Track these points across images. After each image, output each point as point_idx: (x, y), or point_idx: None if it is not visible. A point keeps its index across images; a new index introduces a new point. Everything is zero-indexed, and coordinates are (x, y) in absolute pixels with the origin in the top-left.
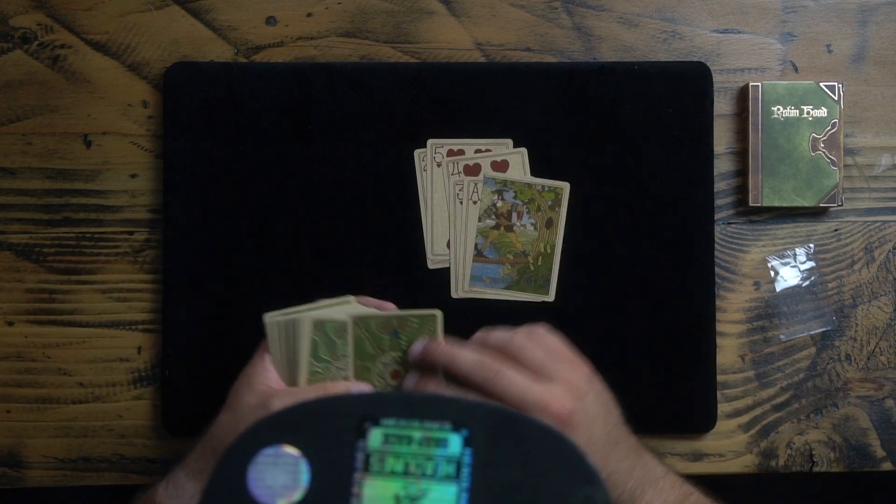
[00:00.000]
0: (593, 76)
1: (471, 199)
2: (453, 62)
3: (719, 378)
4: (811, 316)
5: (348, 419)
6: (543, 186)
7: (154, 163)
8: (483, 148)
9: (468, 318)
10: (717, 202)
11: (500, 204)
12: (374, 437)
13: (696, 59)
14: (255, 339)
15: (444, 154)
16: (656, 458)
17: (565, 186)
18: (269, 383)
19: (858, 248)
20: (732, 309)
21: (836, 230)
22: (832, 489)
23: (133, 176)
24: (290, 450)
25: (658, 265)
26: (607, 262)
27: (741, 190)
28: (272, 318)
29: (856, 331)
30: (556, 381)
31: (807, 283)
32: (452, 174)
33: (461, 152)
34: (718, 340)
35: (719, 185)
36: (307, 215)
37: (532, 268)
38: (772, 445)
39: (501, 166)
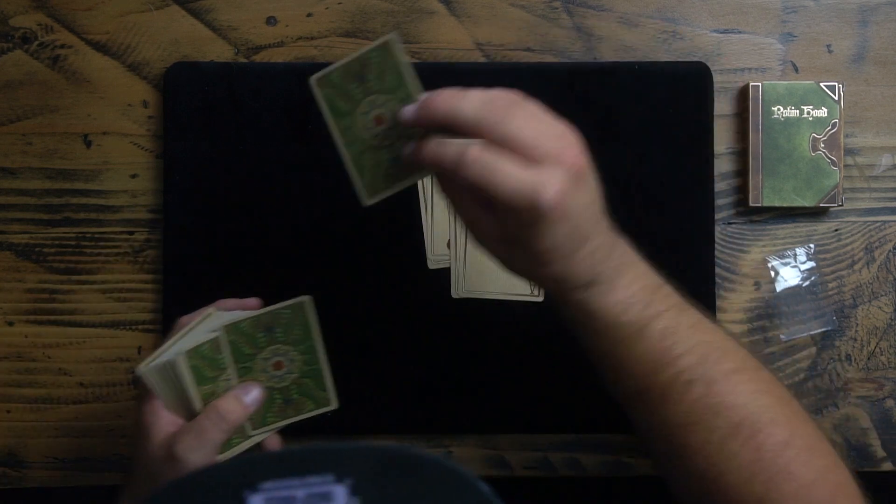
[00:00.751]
0: (593, 76)
1: None
2: (453, 62)
3: None
4: (811, 316)
5: (225, 491)
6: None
7: (154, 163)
8: None
9: (468, 318)
10: (717, 202)
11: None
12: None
13: (696, 59)
14: None
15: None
16: (629, 243)
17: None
18: (166, 428)
19: (859, 248)
20: (732, 309)
21: (836, 230)
22: None
23: (133, 176)
24: None
25: (658, 265)
26: None
27: (741, 190)
28: (146, 368)
29: (856, 331)
30: (547, 163)
31: (807, 283)
32: None
33: None
34: None
35: (719, 185)
36: (307, 215)
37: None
38: None
39: None
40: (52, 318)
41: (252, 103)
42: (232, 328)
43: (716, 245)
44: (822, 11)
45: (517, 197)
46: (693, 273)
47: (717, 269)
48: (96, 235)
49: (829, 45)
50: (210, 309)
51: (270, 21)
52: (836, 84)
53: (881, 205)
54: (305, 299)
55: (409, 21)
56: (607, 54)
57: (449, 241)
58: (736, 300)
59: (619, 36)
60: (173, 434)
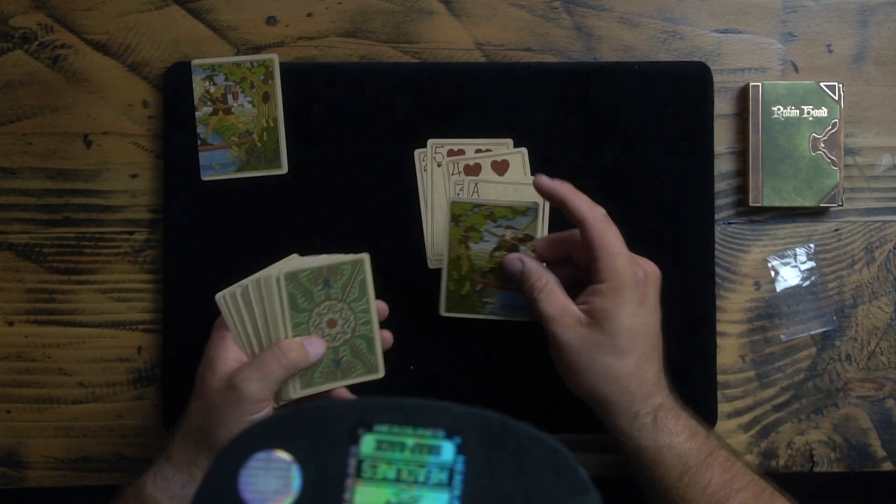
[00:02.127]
0: (593, 76)
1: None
2: (453, 62)
3: (719, 378)
4: (811, 316)
5: (342, 424)
6: (252, 63)
7: (154, 163)
8: (483, 148)
9: (468, 318)
10: (718, 202)
11: (213, 90)
12: (367, 443)
13: (696, 59)
14: None
15: (444, 154)
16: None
17: (274, 58)
18: (229, 363)
19: (859, 248)
20: (733, 309)
21: (836, 230)
22: (832, 489)
23: (133, 176)
24: (283, 454)
25: (658, 265)
26: None
27: (741, 190)
28: (224, 294)
29: (856, 331)
30: (633, 262)
31: (807, 283)
32: (452, 174)
33: (461, 152)
34: (718, 340)
35: (719, 185)
36: (307, 215)
37: (259, 144)
38: (772, 445)
39: (501, 166)
40: (52, 318)
41: None
42: (291, 277)
43: (716, 245)
44: (822, 11)
45: (622, 260)
46: (693, 273)
47: (717, 269)
48: (96, 235)
49: (829, 45)
50: (294, 255)
51: (270, 21)
52: (836, 84)
53: (881, 205)
54: (364, 256)
55: (409, 21)
56: (607, 54)
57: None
58: (736, 300)
59: (619, 36)
60: (238, 368)
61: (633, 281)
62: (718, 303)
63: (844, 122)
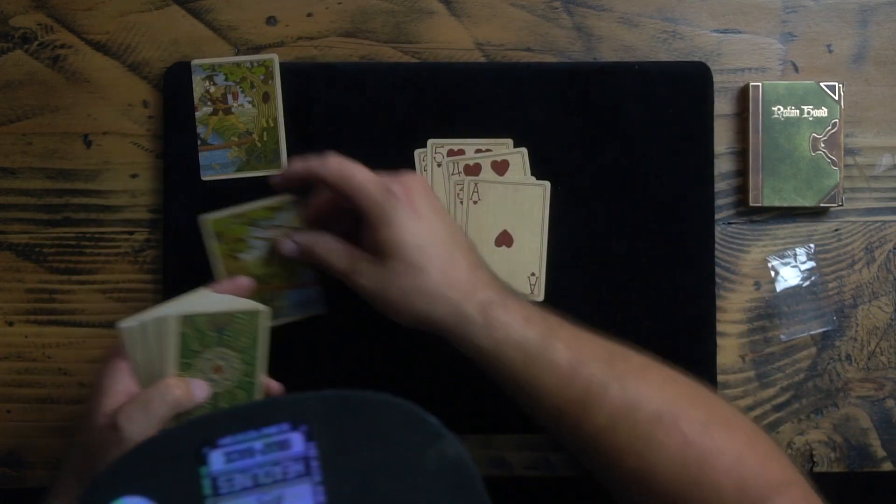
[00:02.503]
0: (593, 76)
1: (471, 199)
2: (453, 62)
3: (719, 378)
4: (811, 316)
5: (186, 449)
6: (252, 63)
7: (154, 163)
8: (483, 148)
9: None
10: (718, 202)
11: (213, 90)
12: (215, 459)
13: (696, 59)
14: None
15: (444, 154)
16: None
17: (274, 58)
18: (118, 397)
19: (859, 248)
20: (732, 309)
21: (836, 230)
22: (832, 489)
23: (133, 176)
24: (134, 500)
25: (658, 265)
26: (607, 261)
27: (741, 190)
28: (129, 324)
29: (856, 331)
30: (394, 179)
31: (807, 283)
32: (452, 174)
33: (461, 152)
34: (718, 340)
35: (719, 185)
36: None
37: (259, 144)
38: None
39: (501, 166)
40: (52, 318)
41: None
42: (187, 320)
43: (716, 245)
44: (822, 11)
45: (373, 185)
46: (693, 273)
47: (717, 269)
48: (96, 235)
49: (829, 45)
50: (203, 289)
51: (270, 21)
52: (836, 84)
53: (881, 205)
54: (262, 309)
55: (409, 21)
56: (607, 54)
57: None
58: (736, 300)
59: (619, 36)
60: (120, 405)
61: (392, 199)
62: (718, 303)
63: (844, 122)
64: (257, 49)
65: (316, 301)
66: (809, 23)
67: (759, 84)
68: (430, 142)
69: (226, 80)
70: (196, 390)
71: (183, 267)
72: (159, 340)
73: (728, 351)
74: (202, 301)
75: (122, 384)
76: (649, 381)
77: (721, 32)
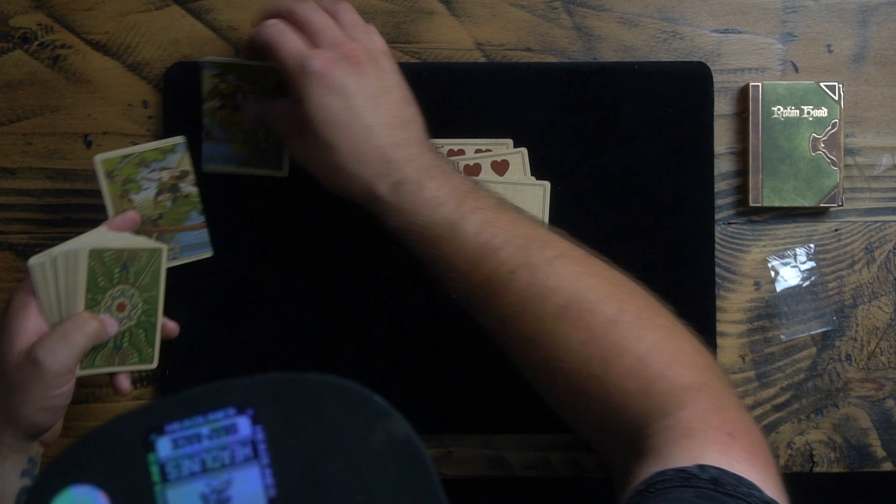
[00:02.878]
0: (593, 76)
1: None
2: (453, 62)
3: None
4: (811, 316)
5: (132, 436)
6: (265, 68)
7: None
8: (483, 148)
9: (469, 318)
10: (717, 202)
11: (223, 86)
12: (163, 446)
13: (696, 59)
14: (255, 338)
15: (444, 154)
16: (447, 162)
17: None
18: (29, 335)
19: (859, 248)
20: (732, 309)
21: (836, 230)
22: (832, 489)
23: None
24: (83, 488)
25: (658, 265)
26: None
27: (741, 190)
28: (37, 260)
29: (856, 331)
30: (325, 46)
31: (807, 283)
32: None
33: (461, 152)
34: (718, 340)
35: (719, 185)
36: (307, 215)
37: (263, 145)
38: (772, 445)
39: (501, 166)
40: None
41: None
42: (96, 254)
43: (716, 245)
44: (822, 11)
45: (291, 60)
46: (693, 273)
47: (717, 269)
48: None
49: (829, 45)
50: (103, 227)
51: None
52: (836, 84)
53: (881, 205)
54: (162, 246)
55: (409, 21)
56: (607, 54)
57: None
58: (736, 300)
59: (619, 36)
60: (38, 340)
61: (305, 76)
62: (718, 303)
63: (844, 123)
64: None
65: (205, 244)
66: (809, 23)
67: (759, 84)
68: None
69: (236, 80)
70: (107, 324)
71: (183, 267)
72: (68, 276)
73: (728, 351)
74: (105, 237)
75: (32, 321)
76: (561, 272)
77: (721, 32)
